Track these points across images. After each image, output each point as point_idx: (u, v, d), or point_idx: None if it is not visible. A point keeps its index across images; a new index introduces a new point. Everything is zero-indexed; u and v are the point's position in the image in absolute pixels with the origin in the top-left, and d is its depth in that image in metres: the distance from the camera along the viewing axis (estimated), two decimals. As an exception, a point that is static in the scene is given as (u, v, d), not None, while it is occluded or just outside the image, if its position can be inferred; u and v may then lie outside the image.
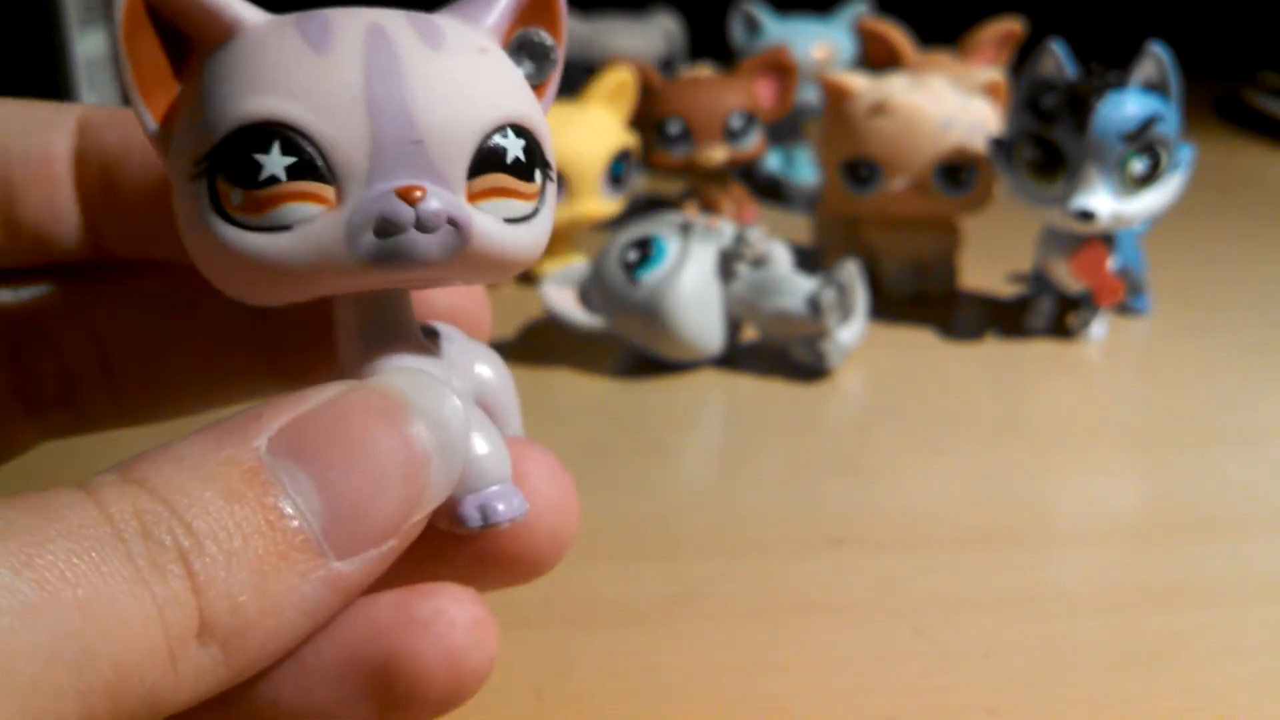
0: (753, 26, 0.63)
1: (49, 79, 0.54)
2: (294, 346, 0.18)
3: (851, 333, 0.39)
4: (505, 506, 0.14)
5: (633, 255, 0.39)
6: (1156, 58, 0.39)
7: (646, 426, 0.37)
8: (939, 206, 0.45)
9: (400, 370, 0.14)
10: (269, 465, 0.13)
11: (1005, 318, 0.45)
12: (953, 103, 0.44)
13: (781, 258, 0.41)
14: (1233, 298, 0.48)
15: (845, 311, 0.38)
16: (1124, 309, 0.45)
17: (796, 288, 0.38)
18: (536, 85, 0.15)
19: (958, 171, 0.44)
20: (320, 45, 0.13)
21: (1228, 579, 0.28)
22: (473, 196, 0.14)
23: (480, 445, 0.14)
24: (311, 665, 0.13)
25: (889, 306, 0.45)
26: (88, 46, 0.56)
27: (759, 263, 0.39)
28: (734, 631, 0.26)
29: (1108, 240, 0.41)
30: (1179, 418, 0.37)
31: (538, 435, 0.16)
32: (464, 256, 0.14)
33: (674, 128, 0.51)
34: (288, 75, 0.13)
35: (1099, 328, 0.43)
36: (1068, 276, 0.42)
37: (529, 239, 0.14)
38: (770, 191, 0.62)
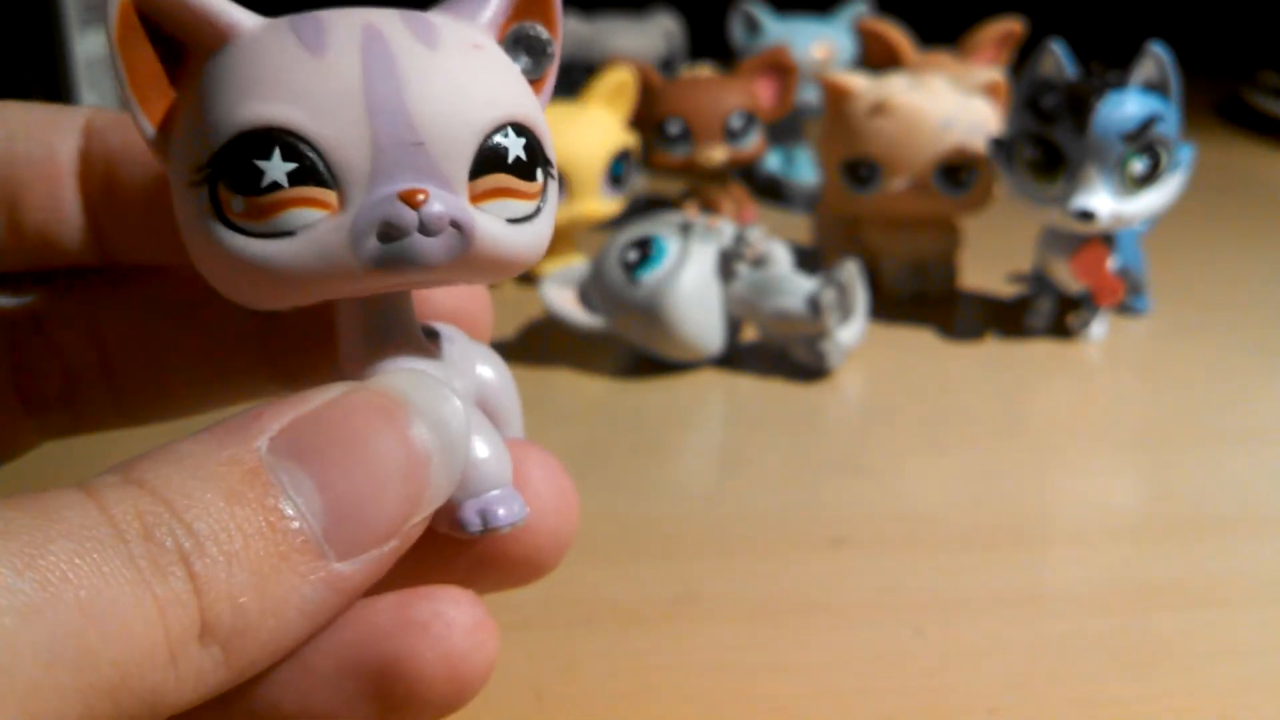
0: (753, 26, 0.63)
1: (49, 79, 0.54)
2: (295, 347, 0.18)
3: (851, 333, 0.39)
4: (506, 511, 0.14)
5: (633, 255, 0.39)
6: (1156, 58, 0.39)
7: (646, 426, 0.37)
8: (939, 206, 0.45)
9: (401, 371, 0.14)
10: (270, 466, 0.13)
11: (1005, 318, 0.45)
12: (953, 103, 0.44)
13: (781, 258, 0.41)
14: (1233, 298, 0.48)
15: (845, 311, 0.38)
16: (1124, 309, 0.45)
17: (796, 288, 0.38)
18: (534, 80, 0.15)
19: (958, 171, 0.44)
20: (316, 48, 0.13)
21: (1228, 579, 0.28)
22: (475, 198, 0.14)
23: (481, 449, 0.14)
24: (312, 667, 0.13)
25: (889, 306, 0.45)
26: (88, 46, 0.56)
27: (759, 263, 0.39)
28: (734, 631, 0.26)
29: (1108, 240, 0.41)
30: (1179, 418, 0.37)
31: (538, 435, 0.16)
32: (467, 259, 0.14)
33: (674, 128, 0.51)
34: (285, 80, 0.13)
35: (1099, 328, 0.43)
36: (1068, 276, 0.42)
37: (532, 239, 0.14)
38: (770, 191, 0.62)
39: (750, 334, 0.41)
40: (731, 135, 0.51)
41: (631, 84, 0.49)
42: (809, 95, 0.59)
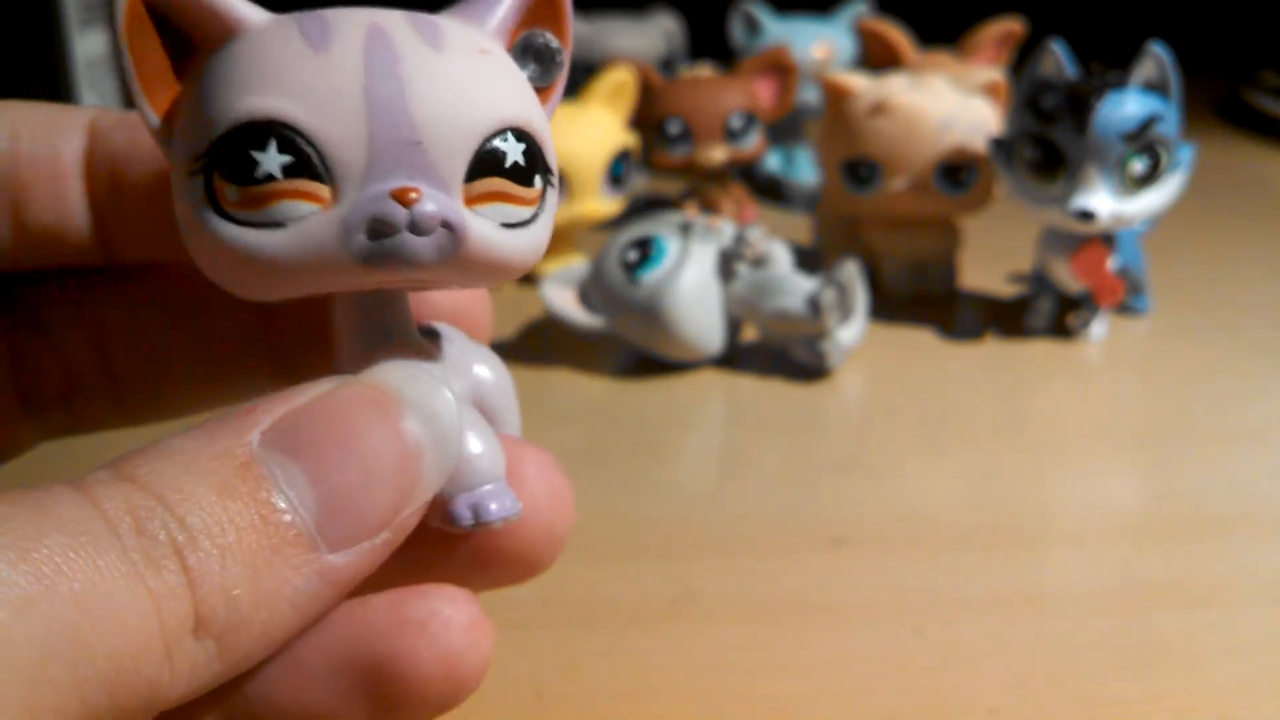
0: (753, 26, 0.63)
1: (49, 79, 0.54)
2: (296, 348, 0.18)
3: (851, 333, 0.39)
4: (498, 506, 0.14)
5: (633, 255, 0.39)
6: (1156, 58, 0.39)
7: (646, 426, 0.37)
8: (939, 206, 0.45)
9: (393, 365, 0.14)
10: (262, 459, 0.13)
11: (1005, 318, 0.45)
12: (953, 103, 0.44)
13: (781, 258, 0.41)
14: (1232, 297, 0.48)
15: (845, 311, 0.38)
16: (1124, 309, 0.45)
17: (796, 288, 0.38)
18: (543, 88, 0.15)
19: (958, 171, 0.44)
20: (320, 45, 0.13)
21: (1228, 579, 0.28)
22: (470, 200, 0.14)
23: (474, 444, 0.14)
24: (307, 665, 0.13)
25: (889, 306, 0.45)
26: (88, 46, 0.56)
27: (759, 263, 0.39)
28: (734, 631, 0.26)
29: (1108, 240, 0.41)
30: (1179, 418, 0.37)
31: (537, 435, 0.16)
32: (459, 260, 0.14)
33: (674, 128, 0.51)
34: (287, 74, 0.13)
35: (1099, 328, 0.43)
36: (1068, 276, 0.42)
37: (527, 244, 0.14)
38: (770, 191, 0.62)
39: (750, 334, 0.41)
40: (731, 135, 0.51)
41: (631, 84, 0.49)
42: (809, 95, 0.59)
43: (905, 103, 0.44)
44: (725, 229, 0.40)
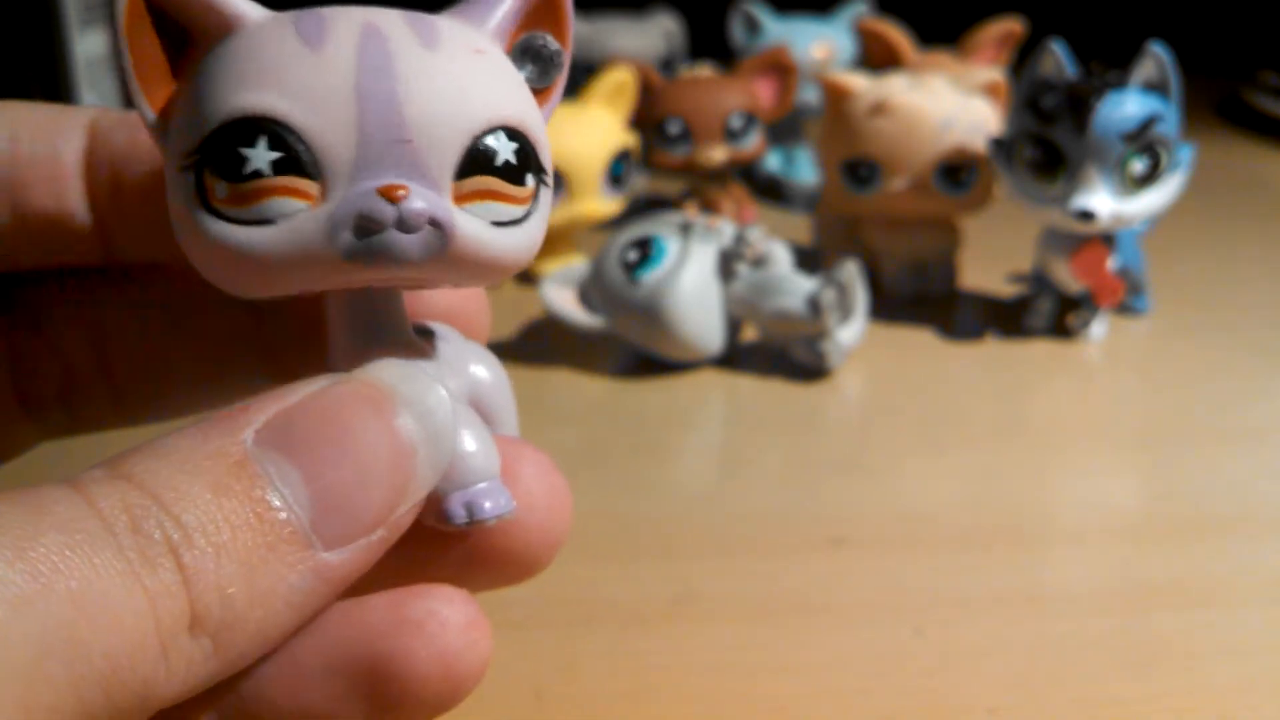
0: (753, 26, 0.63)
1: (49, 79, 0.54)
2: (294, 347, 0.18)
3: (851, 333, 0.39)
4: (492, 504, 0.14)
5: (633, 255, 0.39)
6: (1156, 58, 0.39)
7: (646, 426, 0.37)
8: (939, 206, 0.45)
9: (387, 363, 0.14)
10: (256, 458, 0.13)
11: (1005, 318, 0.45)
12: (953, 103, 0.44)
13: (781, 258, 0.41)
14: (1232, 297, 0.48)
15: (845, 311, 0.38)
16: (1124, 309, 0.45)
17: (796, 288, 0.38)
18: (542, 89, 0.15)
19: (958, 171, 0.44)
20: (314, 42, 0.13)
21: (1228, 579, 0.28)
22: (460, 198, 0.14)
23: (468, 442, 0.14)
24: (305, 665, 0.13)
25: (889, 306, 0.45)
26: (88, 46, 0.56)
27: (759, 263, 0.39)
28: (734, 631, 0.26)
29: (1108, 240, 0.41)
30: (1179, 418, 0.37)
31: (537, 435, 0.16)
32: (447, 258, 0.14)
33: (674, 128, 0.51)
34: (279, 71, 0.13)
35: (1099, 328, 0.43)
36: (1068, 276, 0.42)
37: (518, 243, 0.14)
38: (770, 191, 0.62)
39: (750, 334, 0.41)
40: (731, 135, 0.51)
41: (631, 84, 0.49)
42: (809, 95, 0.59)
43: (905, 103, 0.44)
44: (725, 229, 0.40)
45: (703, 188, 0.54)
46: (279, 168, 0.13)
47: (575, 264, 0.43)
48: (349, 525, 0.13)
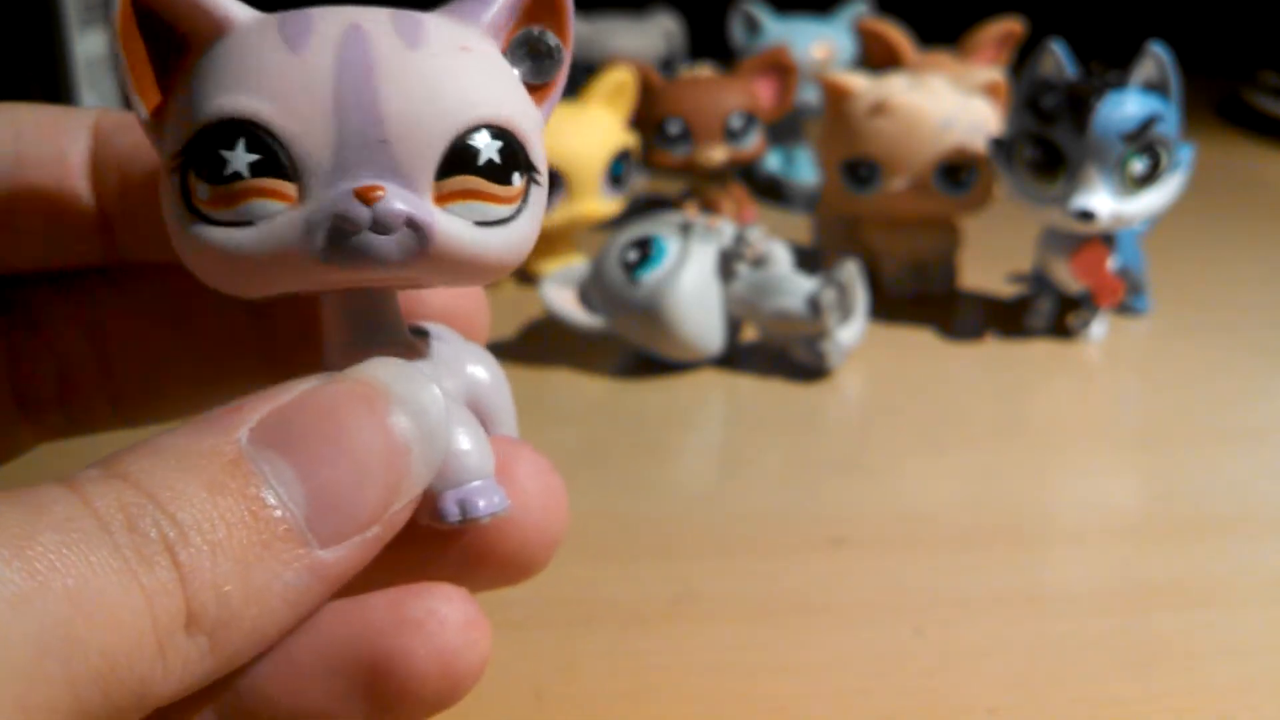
0: (753, 26, 0.63)
1: (49, 79, 0.54)
2: (294, 349, 0.18)
3: (851, 333, 0.39)
4: (485, 502, 0.14)
5: (633, 255, 0.39)
6: (1156, 58, 0.39)
7: (646, 426, 0.37)
8: (939, 206, 0.45)
9: (381, 361, 0.14)
10: (250, 456, 0.13)
11: (1005, 318, 0.45)
12: (953, 103, 0.44)
13: (781, 258, 0.41)
14: (1232, 298, 0.48)
15: (845, 311, 0.38)
16: (1124, 309, 0.45)
17: (796, 288, 0.38)
18: (541, 86, 0.15)
19: (958, 171, 0.44)
20: (296, 44, 0.13)
21: (1228, 579, 0.28)
22: (441, 198, 0.14)
23: (463, 441, 0.14)
24: (304, 664, 0.13)
25: (889, 306, 0.45)
26: (88, 46, 0.56)
27: (759, 263, 0.39)
28: (734, 631, 0.26)
29: (1108, 240, 0.41)
30: (1179, 418, 0.37)
31: (537, 435, 0.16)
32: (429, 259, 0.13)
33: (674, 128, 0.51)
34: (260, 73, 0.13)
35: (1099, 328, 0.43)
36: (1068, 276, 0.42)
37: (505, 243, 0.14)
38: (770, 191, 0.62)
39: (750, 334, 0.41)
40: (731, 135, 0.51)
41: (631, 84, 0.49)
42: (809, 95, 0.59)
43: (905, 103, 0.44)
44: (725, 229, 0.40)
45: (703, 188, 0.54)
46: (257, 169, 0.13)
47: (575, 264, 0.43)
48: (344, 523, 0.13)
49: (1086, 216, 0.39)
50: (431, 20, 0.14)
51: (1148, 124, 0.38)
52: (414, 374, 0.14)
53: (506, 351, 0.42)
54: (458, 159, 0.14)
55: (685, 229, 0.39)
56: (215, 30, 0.14)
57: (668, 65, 0.67)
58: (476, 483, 0.14)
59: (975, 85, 0.45)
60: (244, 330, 0.18)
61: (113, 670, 0.11)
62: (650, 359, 0.40)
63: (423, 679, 0.13)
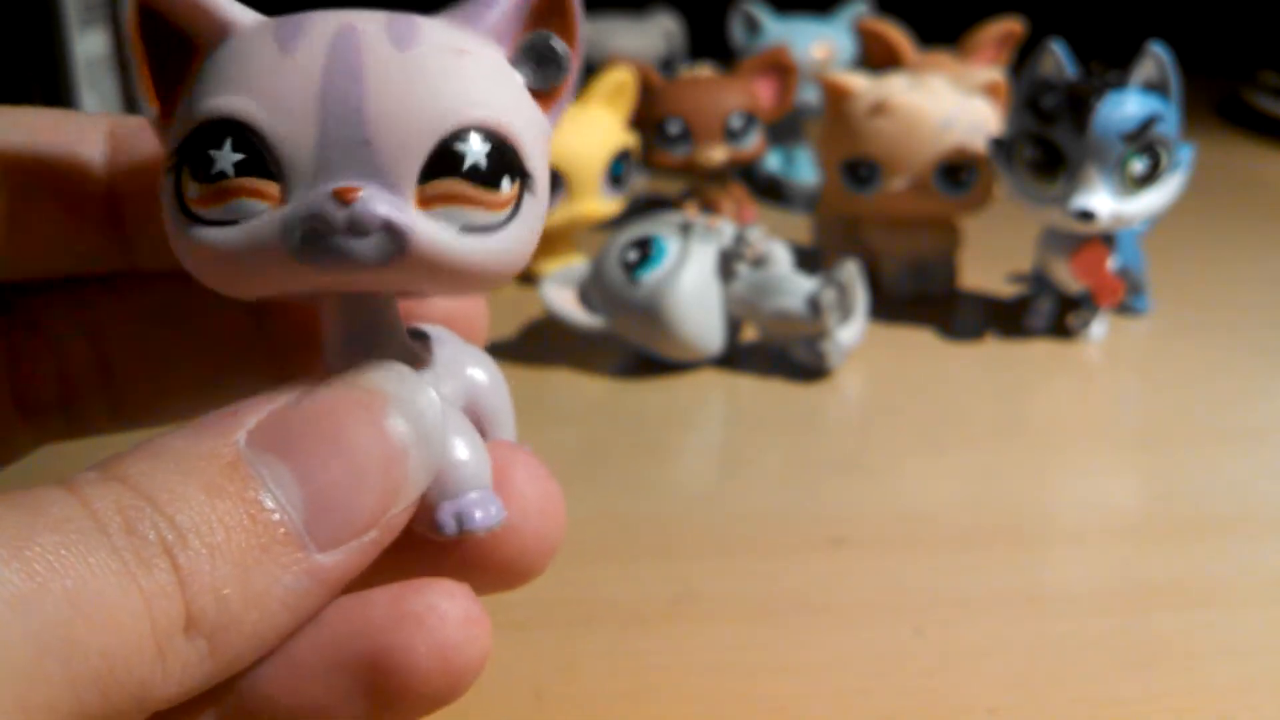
0: (753, 26, 0.63)
1: (49, 79, 0.54)
2: (295, 352, 0.18)
3: (851, 333, 0.39)
4: (482, 514, 0.14)
5: (633, 255, 0.39)
6: (1156, 58, 0.39)
7: (646, 426, 0.37)
8: (939, 206, 0.45)
9: (378, 365, 0.14)
10: (248, 459, 0.13)
11: (1005, 318, 0.45)
12: (953, 103, 0.44)
13: (781, 258, 0.41)
14: (1233, 298, 0.48)
15: (845, 311, 0.38)
16: (1124, 309, 0.45)
17: (796, 288, 0.38)
18: (548, 91, 0.15)
19: (958, 171, 0.44)
20: (288, 46, 0.13)
21: (1228, 579, 0.28)
22: (425, 201, 0.13)
23: (460, 450, 0.14)
24: (304, 661, 0.13)
25: (889, 306, 0.45)
26: (88, 46, 0.56)
27: (759, 263, 0.39)
28: (734, 631, 0.26)
29: (1108, 240, 0.41)
30: (1179, 418, 0.37)
31: (536, 435, 0.16)
32: (409, 263, 0.13)
33: (674, 128, 0.51)
34: (251, 74, 0.13)
35: (1099, 328, 0.43)
36: (1068, 276, 0.42)
37: (492, 251, 0.14)
38: (770, 191, 0.62)
39: (750, 334, 0.41)
40: (731, 135, 0.51)
41: (631, 84, 0.49)
42: (809, 95, 0.59)
43: (905, 103, 0.44)
44: (725, 229, 0.40)
45: (703, 188, 0.54)
46: (241, 169, 0.13)
47: (575, 264, 0.43)
48: (342, 526, 0.13)
49: (1086, 216, 0.39)
50: (428, 23, 0.14)
51: (1148, 124, 0.38)
52: (411, 378, 0.14)
53: (506, 351, 0.42)
54: (442, 162, 0.13)
55: (685, 229, 0.39)
56: (219, 33, 0.14)
57: (668, 65, 0.67)
58: (473, 494, 0.14)
59: (975, 85, 0.45)
60: (244, 333, 0.18)
61: (112, 672, 0.11)
62: (650, 359, 0.40)
63: (423, 674, 0.13)
